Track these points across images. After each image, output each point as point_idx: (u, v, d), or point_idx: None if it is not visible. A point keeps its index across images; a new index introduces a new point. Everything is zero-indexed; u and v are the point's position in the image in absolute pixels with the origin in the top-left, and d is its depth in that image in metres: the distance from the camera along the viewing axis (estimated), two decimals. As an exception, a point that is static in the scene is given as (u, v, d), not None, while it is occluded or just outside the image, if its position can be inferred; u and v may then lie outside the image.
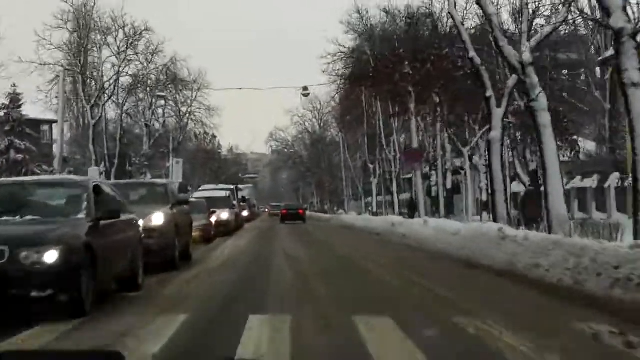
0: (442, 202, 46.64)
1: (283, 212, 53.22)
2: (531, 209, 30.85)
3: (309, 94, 45.48)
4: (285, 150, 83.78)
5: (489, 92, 21.62)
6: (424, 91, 26.24)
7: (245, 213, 53.91)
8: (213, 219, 27.00)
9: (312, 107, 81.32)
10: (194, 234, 20.58)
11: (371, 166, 52.79)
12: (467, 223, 22.43)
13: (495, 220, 21.90)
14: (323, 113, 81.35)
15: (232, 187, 37.01)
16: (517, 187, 37.53)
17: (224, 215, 29.65)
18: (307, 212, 58.01)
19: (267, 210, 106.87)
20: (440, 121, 31.00)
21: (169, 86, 57.72)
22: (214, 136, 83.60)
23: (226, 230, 29.62)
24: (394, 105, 30.56)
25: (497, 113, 21.67)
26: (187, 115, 65.80)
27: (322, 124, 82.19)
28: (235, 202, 35.05)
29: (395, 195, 50.89)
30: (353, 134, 74.47)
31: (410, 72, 26.48)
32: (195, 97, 65.70)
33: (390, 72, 26.28)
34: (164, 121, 58.32)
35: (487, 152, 22.44)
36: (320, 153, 79.16)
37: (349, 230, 35.36)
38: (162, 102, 61.37)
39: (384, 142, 45.82)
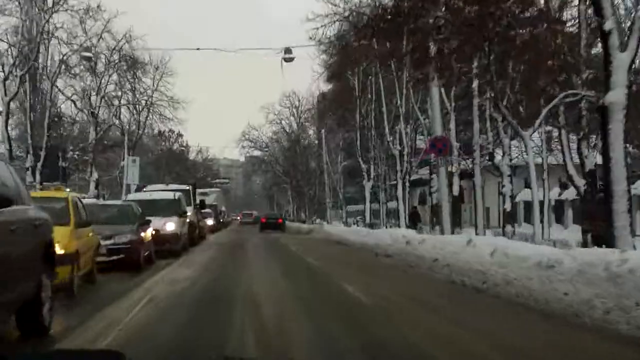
0: (447, 211, 37.75)
1: (262, 221, 53.61)
2: (596, 224, 21.99)
3: (293, 58, 35.98)
4: (259, 151, 74.42)
5: (609, 24, 12.56)
6: (465, 44, 16.98)
7: (209, 222, 44.59)
8: (149, 231, 17.67)
9: (289, 104, 72.14)
10: (98, 258, 11.88)
11: (364, 167, 43.62)
12: (569, 249, 13.20)
13: (611, 240, 12.96)
14: (302, 111, 72.24)
15: (186, 187, 27.43)
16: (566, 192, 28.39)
17: (169, 226, 20.33)
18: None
19: (238, 218, 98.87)
20: (489, 92, 21.76)
21: (124, 70, 48.08)
22: (179, 134, 74.07)
23: (173, 247, 20.27)
24: (416, 68, 21.21)
25: (621, 60, 12.56)
26: (147, 107, 56.23)
27: (300, 123, 72.96)
28: (190, 208, 25.60)
29: (401, 202, 41.56)
30: (333, 136, 65.81)
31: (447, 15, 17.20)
32: (157, 86, 56.25)
33: (418, 12, 16.93)
34: (117, 111, 48.63)
35: (600, 128, 13.16)
36: (298, 156, 69.83)
37: (343, 249, 26.41)
38: (116, 87, 51.64)
39: (387, 131, 36.34)
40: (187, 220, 23.44)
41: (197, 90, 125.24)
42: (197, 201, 27.96)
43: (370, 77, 40.14)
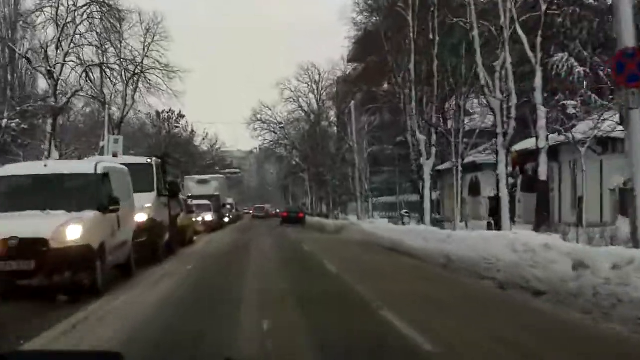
0: (506, 202, 26.40)
1: (284, 215, 52.70)
2: None
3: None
4: (274, 133, 62.79)
5: None
6: None
7: (208, 217, 33.45)
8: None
9: (308, 79, 60.68)
10: None
11: (423, 138, 32.11)
12: None
13: None
14: (323, 87, 60.79)
15: (143, 160, 15.54)
16: None
17: (67, 231, 8.90)
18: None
19: (251, 212, 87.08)
20: None
21: (100, 20, 36.81)
22: (180, 115, 62.79)
23: (77, 279, 8.83)
24: None
25: None
26: (136, 74, 45.06)
27: (321, 101, 61.46)
28: (150, 196, 14.20)
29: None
30: (357, 119, 54.42)
31: None
32: (148, 50, 45.11)
33: None
34: (88, 73, 37.41)
35: None
36: (319, 138, 58.32)
37: (423, 269, 14.92)
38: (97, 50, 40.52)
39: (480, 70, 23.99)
40: (138, 218, 12.13)
41: (203, 74, 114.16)
42: (165, 184, 16.27)
43: (432, 9, 28.64)
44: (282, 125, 52.20)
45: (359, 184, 52.41)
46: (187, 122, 70.56)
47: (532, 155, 31.16)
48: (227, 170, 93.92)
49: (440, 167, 48.75)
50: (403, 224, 32.24)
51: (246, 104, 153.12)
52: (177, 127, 62.96)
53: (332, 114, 62.00)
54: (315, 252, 19.86)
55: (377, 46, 43.23)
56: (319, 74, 60.79)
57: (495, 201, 25.49)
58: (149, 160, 15.46)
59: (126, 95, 46.13)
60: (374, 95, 57.27)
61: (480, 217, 41.69)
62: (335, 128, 58.57)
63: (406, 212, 34.77)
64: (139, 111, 59.47)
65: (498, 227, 24.79)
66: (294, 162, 74.95)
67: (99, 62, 37.85)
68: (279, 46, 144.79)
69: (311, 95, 60.92)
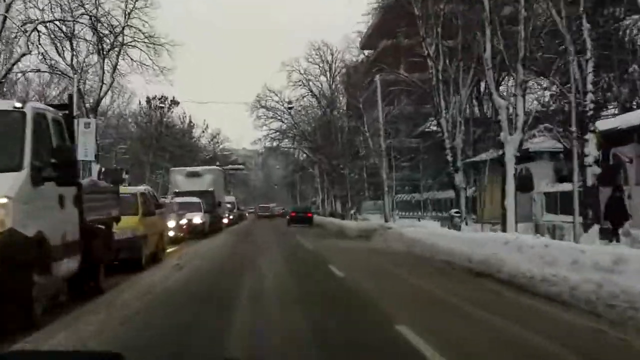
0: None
1: (292, 215, 49.07)
2: None
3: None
4: (281, 122, 54.17)
5: None
6: None
7: (196, 219, 25.24)
8: None
9: (319, 59, 52.16)
10: None
11: (503, 103, 23.39)
12: None
13: None
14: (337, 68, 52.33)
15: (7, 106, 7.29)
16: None
17: None
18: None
19: (255, 211, 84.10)
20: None
21: None
22: (174, 102, 54.38)
23: None
24: None
25: None
26: (115, 46, 36.97)
27: (334, 85, 52.98)
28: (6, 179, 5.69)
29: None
30: (372, 108, 46.52)
31: None
32: (129, 17, 37.02)
33: None
34: (35, 35, 29.33)
35: None
36: (333, 127, 49.80)
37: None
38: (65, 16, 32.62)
39: None
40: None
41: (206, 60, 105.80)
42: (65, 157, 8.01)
43: None
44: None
45: (387, 176, 44.03)
46: (184, 113, 62.50)
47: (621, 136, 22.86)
48: (230, 166, 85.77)
49: (476, 159, 40.39)
50: (455, 227, 23.81)
51: (247, 89, 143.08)
52: (168, 112, 54.45)
53: (343, 102, 53.64)
54: (358, 281, 11.48)
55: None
56: (332, 54, 52.42)
57: (614, 199, 16.97)
58: (18, 107, 6.88)
59: (103, 72, 37.86)
60: (390, 83, 49.74)
61: (530, 218, 33.42)
62: (346, 119, 50.32)
63: (456, 213, 26.29)
64: (119, 90, 51.45)
65: (616, 233, 16.41)
66: (302, 156, 66.71)
67: (49, 20, 29.57)
68: (287, 24, 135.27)
69: (323, 78, 52.56)
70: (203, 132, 65.43)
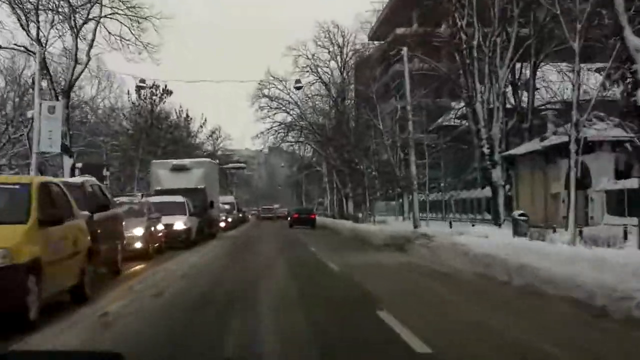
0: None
1: (295, 216, 45.75)
2: None
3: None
4: (285, 113, 47.44)
5: None
6: None
7: (178, 225, 18.78)
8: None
9: (329, 42, 45.70)
10: None
11: None
12: None
13: None
14: (348, 52, 45.93)
15: None
16: None
17: None
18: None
19: (257, 213, 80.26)
20: None
21: None
22: (167, 91, 47.92)
23: None
24: None
25: None
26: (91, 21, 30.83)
27: (346, 72, 46.56)
28: None
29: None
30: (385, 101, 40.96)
31: None
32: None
33: None
34: None
35: None
36: (345, 117, 43.38)
37: None
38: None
39: None
40: None
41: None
42: None
43: None
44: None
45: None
46: (180, 107, 56.03)
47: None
48: (231, 165, 79.49)
49: (513, 152, 34.11)
50: (522, 234, 17.35)
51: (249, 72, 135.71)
52: (160, 102, 47.91)
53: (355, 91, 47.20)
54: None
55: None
56: (343, 36, 45.98)
57: None
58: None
59: (77, 49, 31.53)
60: (402, 75, 43.71)
61: (587, 221, 27.18)
62: (357, 109, 44.09)
63: (521, 215, 19.84)
64: (105, 78, 45.48)
65: None
66: (308, 153, 60.43)
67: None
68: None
69: (333, 64, 46.12)
70: (201, 126, 58.88)
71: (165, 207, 20.05)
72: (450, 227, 30.65)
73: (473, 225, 27.74)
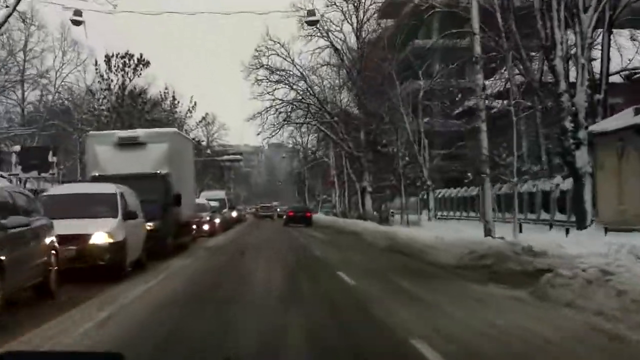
0: None
1: (290, 214, 43.53)
2: None
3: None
4: (288, 87, 37.40)
5: None
6: None
7: (98, 237, 8.90)
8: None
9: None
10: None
11: None
12: None
13: None
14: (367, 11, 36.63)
15: None
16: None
17: None
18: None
19: (256, 211, 73.74)
20: None
21: None
22: (142, 61, 38.36)
23: None
24: None
25: None
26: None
27: (361, 41, 37.15)
28: None
29: None
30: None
31: None
32: None
33: None
34: None
35: None
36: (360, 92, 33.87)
37: None
38: None
39: None
40: None
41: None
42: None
43: None
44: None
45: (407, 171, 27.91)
46: (167, 89, 46.53)
47: None
48: (226, 157, 70.12)
49: (596, 128, 24.94)
50: None
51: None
52: (134, 75, 38.29)
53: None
54: None
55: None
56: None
57: None
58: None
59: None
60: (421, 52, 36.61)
61: None
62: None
63: None
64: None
65: None
66: (313, 140, 51.46)
67: None
68: None
69: (347, 28, 36.53)
70: (190, 110, 49.14)
71: (75, 205, 10.66)
72: (520, 231, 21.62)
73: (550, 228, 19.31)
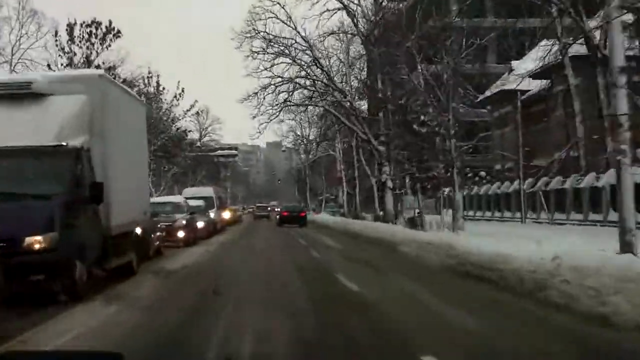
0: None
1: (283, 214, 42.03)
2: None
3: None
4: (289, 60, 29.89)
5: None
6: None
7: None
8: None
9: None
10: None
11: None
12: None
13: None
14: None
15: None
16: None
17: None
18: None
19: (253, 211, 69.12)
20: None
21: None
22: (111, 31, 31.06)
23: None
24: None
25: None
26: None
27: (380, 2, 30.02)
28: None
29: None
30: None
31: None
32: None
33: None
34: None
35: None
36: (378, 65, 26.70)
37: None
38: None
39: None
40: None
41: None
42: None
43: None
44: (310, 51, 17.83)
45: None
46: (150, 73, 39.14)
47: None
48: (220, 152, 63.02)
49: None
50: None
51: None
52: (102, 47, 30.97)
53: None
54: None
55: None
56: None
57: None
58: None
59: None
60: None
61: None
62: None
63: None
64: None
65: None
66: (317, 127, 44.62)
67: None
68: None
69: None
70: (176, 98, 41.55)
71: None
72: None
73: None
